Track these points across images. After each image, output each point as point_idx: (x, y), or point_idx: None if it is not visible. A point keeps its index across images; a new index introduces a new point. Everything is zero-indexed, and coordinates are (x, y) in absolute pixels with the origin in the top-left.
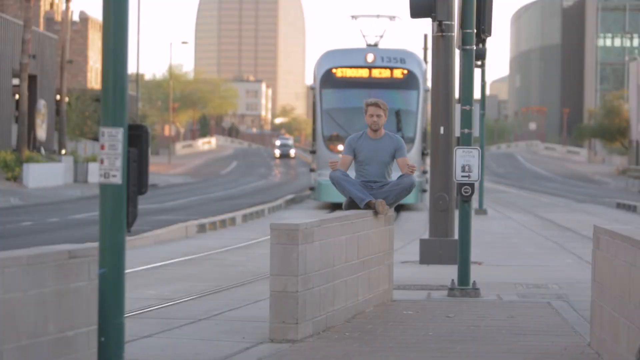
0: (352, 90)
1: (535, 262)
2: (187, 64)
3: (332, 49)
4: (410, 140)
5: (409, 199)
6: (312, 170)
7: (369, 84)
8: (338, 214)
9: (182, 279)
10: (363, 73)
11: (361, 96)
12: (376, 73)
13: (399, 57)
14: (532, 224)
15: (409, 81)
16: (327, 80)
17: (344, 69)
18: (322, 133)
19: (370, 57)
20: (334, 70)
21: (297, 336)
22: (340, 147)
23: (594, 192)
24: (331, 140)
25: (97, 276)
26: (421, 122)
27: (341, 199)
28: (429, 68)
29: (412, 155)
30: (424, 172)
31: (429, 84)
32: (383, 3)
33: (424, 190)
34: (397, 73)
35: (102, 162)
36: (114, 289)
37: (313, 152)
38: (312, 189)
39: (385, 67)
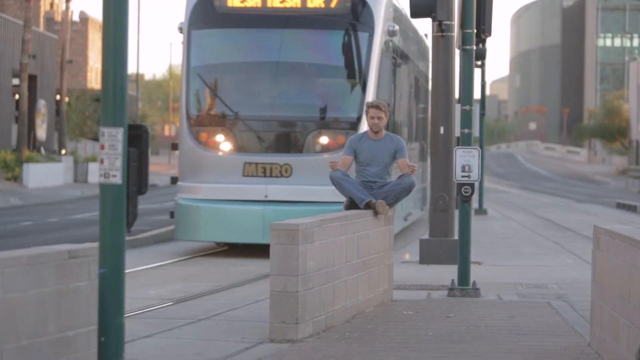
0: (245, 32)
1: (535, 262)
2: None
3: None
4: (351, 126)
5: None
6: (173, 180)
7: (279, 20)
8: (338, 214)
9: (182, 279)
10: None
11: (263, 43)
12: (292, 0)
13: None
14: (532, 224)
15: (355, 15)
16: (201, 15)
17: None
18: (186, 111)
19: None
20: None
21: (297, 336)
22: (220, 138)
23: (594, 192)
24: (202, 124)
25: (97, 276)
26: (377, 91)
27: (219, 236)
28: (428, 66)
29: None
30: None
31: (398, 25)
32: None
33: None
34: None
35: (102, 162)
36: (114, 289)
37: (175, 146)
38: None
39: None
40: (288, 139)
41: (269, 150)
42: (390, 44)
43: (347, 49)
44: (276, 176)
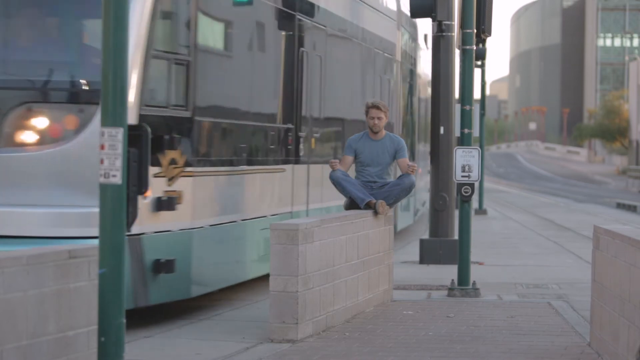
0: None
1: (535, 262)
2: None
3: None
4: (92, 96)
5: None
6: None
7: None
8: (338, 214)
9: None
10: None
11: None
12: None
13: None
14: (532, 224)
15: None
16: None
17: None
18: None
19: None
20: None
21: (297, 336)
22: None
23: (594, 192)
24: None
25: (97, 276)
26: (149, 36)
27: None
28: (428, 67)
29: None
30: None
31: None
32: None
33: None
34: None
35: (102, 162)
36: (114, 289)
37: None
38: None
39: None
40: None
41: None
42: None
43: None
44: None
